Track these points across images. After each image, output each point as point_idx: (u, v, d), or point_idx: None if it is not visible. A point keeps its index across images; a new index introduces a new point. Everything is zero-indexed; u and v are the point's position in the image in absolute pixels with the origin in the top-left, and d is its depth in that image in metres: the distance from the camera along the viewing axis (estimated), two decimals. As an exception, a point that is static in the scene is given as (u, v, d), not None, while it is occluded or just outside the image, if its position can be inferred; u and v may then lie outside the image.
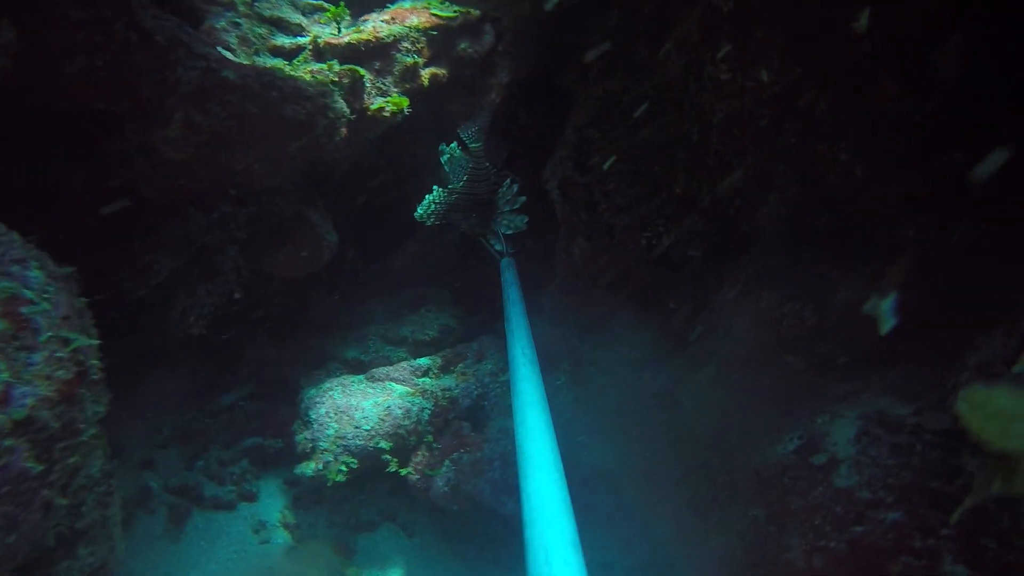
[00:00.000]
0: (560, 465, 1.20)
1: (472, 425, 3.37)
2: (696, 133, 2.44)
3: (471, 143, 3.05)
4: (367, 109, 3.13)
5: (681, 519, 2.05)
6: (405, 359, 3.79)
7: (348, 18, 3.37)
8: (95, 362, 1.69)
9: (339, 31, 3.23)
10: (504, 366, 3.58)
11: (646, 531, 2.27)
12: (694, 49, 2.27)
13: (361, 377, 3.56)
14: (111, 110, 2.22)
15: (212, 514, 3.43)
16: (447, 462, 3.13)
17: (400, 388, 3.46)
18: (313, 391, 3.50)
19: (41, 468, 1.49)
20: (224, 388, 3.93)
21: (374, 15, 3.41)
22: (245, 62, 2.60)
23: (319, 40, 3.14)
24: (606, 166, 2.63)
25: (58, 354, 1.58)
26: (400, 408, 3.20)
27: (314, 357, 3.96)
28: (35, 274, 1.64)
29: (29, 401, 1.47)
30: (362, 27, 3.31)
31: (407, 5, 3.53)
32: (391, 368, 3.61)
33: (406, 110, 3.19)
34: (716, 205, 2.45)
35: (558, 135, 3.11)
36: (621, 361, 2.87)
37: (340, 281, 4.29)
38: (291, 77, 2.52)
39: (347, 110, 2.78)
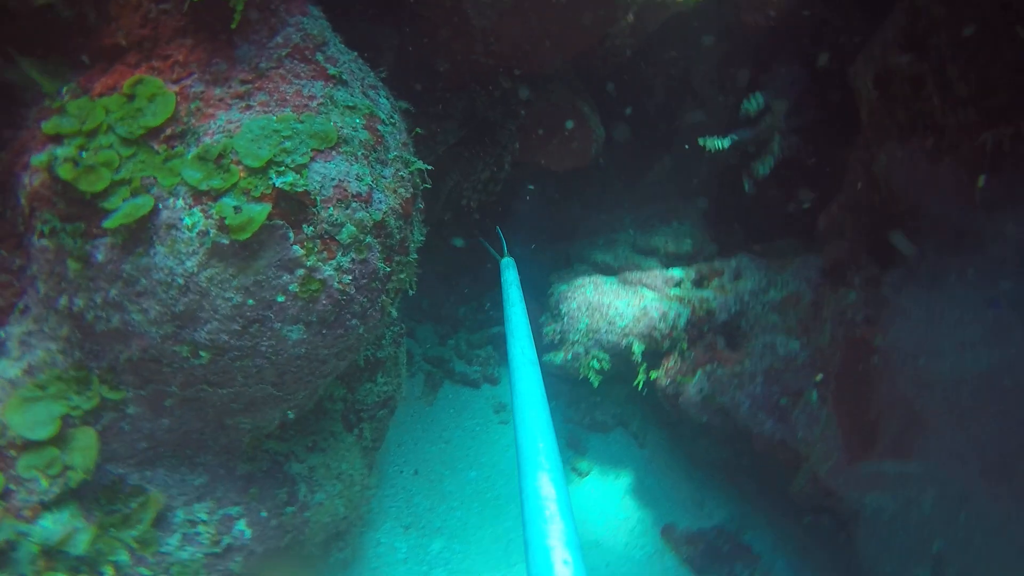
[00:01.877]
0: (560, 464, 1.22)
1: (726, 340, 3.24)
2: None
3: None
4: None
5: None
6: (657, 268, 3.72)
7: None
8: (423, 187, 1.83)
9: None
10: (766, 286, 3.37)
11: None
12: None
13: (613, 279, 3.56)
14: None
15: (460, 388, 3.73)
16: (699, 372, 3.05)
17: (652, 294, 3.41)
18: (564, 286, 3.59)
19: (387, 270, 1.67)
20: (472, 278, 4.19)
21: None
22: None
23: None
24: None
25: (401, 172, 1.73)
26: (657, 310, 3.16)
27: (560, 258, 4.06)
28: (384, 101, 1.81)
29: (384, 207, 1.63)
30: None
31: None
32: (643, 274, 3.57)
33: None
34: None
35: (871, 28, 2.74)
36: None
37: (592, 184, 4.30)
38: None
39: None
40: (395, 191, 1.69)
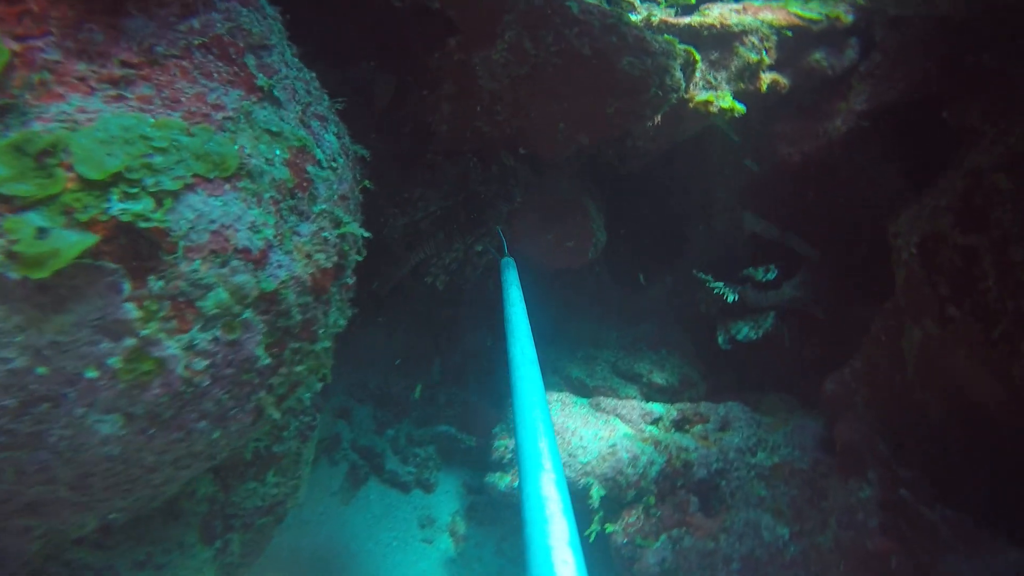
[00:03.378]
0: (561, 467, 1.18)
1: (701, 503, 2.69)
2: None
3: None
4: (690, 100, 2.64)
5: None
6: (635, 398, 3.24)
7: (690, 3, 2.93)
8: (355, 259, 1.34)
9: (675, 13, 2.81)
10: (755, 446, 2.86)
11: None
12: None
13: (585, 401, 3.05)
14: (445, 11, 1.97)
15: (387, 489, 3.12)
16: (664, 536, 2.48)
17: (625, 428, 2.90)
18: (527, 397, 3.05)
19: (269, 362, 1.15)
20: (431, 362, 3.67)
21: (719, 3, 2.94)
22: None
23: (652, 18, 2.73)
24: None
25: (326, 233, 1.25)
26: (627, 451, 2.62)
27: (532, 363, 3.54)
28: (331, 139, 1.35)
29: (283, 274, 1.13)
30: (707, 11, 2.85)
31: (761, 4, 3.01)
32: (619, 403, 3.07)
33: (736, 113, 2.64)
34: None
35: (921, 182, 2.38)
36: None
37: (583, 290, 3.86)
38: (637, 26, 2.11)
39: (683, 82, 2.30)
40: (309, 256, 1.19)
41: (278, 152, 1.16)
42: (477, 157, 2.63)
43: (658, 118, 2.42)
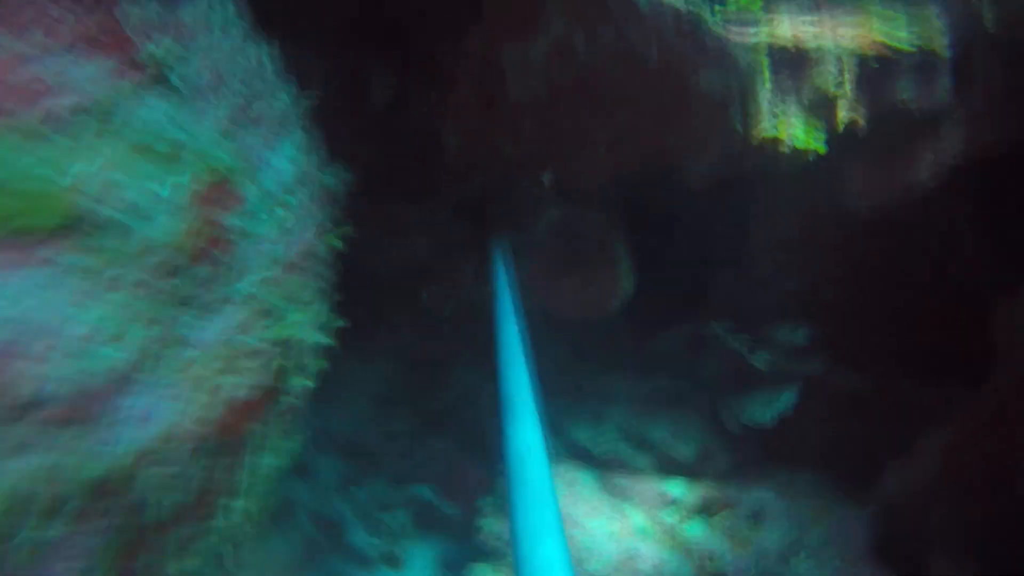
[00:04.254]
0: (548, 464, 1.11)
1: (732, 625, 2.17)
2: None
3: None
4: (753, 132, 2.09)
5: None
6: (646, 471, 2.72)
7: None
8: (301, 383, 0.76)
9: (736, 23, 2.25)
10: (793, 546, 2.36)
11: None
12: None
13: (592, 476, 2.52)
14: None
15: (342, 567, 2.55)
16: (690, 676, 1.95)
17: (640, 518, 2.39)
18: (524, 467, 2.52)
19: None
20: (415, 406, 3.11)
21: (790, 9, 2.37)
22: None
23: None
24: None
25: (249, 339, 0.67)
26: (650, 561, 2.08)
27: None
28: (283, 163, 0.77)
29: (153, 431, 0.56)
30: (778, 24, 2.28)
31: (840, 19, 2.47)
32: (631, 481, 2.55)
33: (811, 155, 2.12)
34: None
35: None
36: None
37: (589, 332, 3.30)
38: (717, 32, 1.57)
39: (768, 110, 1.78)
40: (214, 389, 0.62)
41: (166, 189, 0.59)
42: (492, 178, 2.07)
43: (735, 145, 1.89)
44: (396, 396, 3.11)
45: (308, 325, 0.74)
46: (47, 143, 0.53)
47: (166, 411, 0.58)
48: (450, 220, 2.25)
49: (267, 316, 0.69)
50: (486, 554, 2.33)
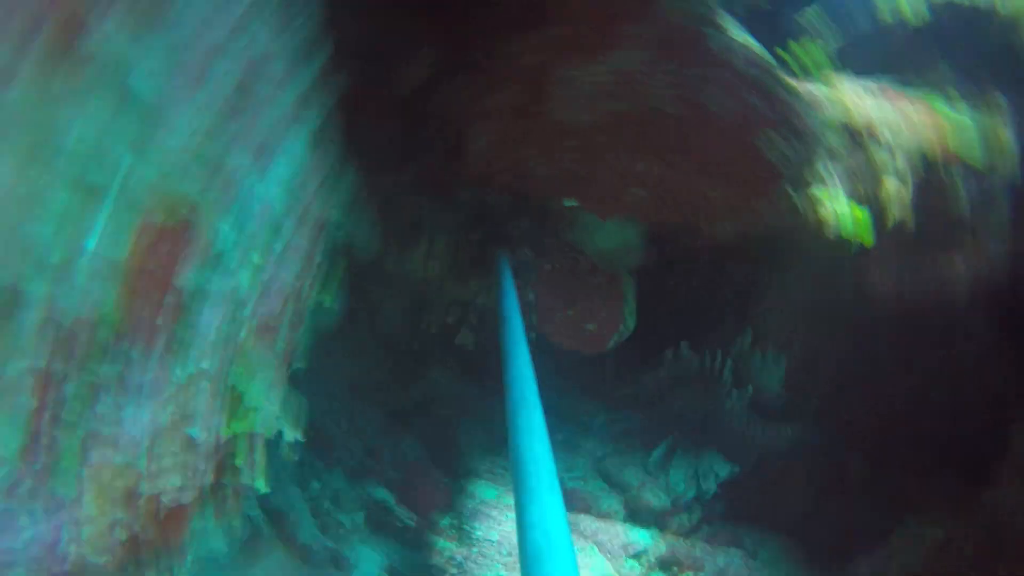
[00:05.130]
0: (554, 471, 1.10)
1: None
2: None
3: None
4: (805, 207, 1.88)
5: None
6: (616, 515, 2.59)
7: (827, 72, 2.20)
8: (256, 481, 0.59)
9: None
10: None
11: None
12: None
13: (560, 515, 2.36)
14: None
15: (293, 563, 2.39)
16: None
17: (602, 563, 2.26)
18: (491, 490, 2.40)
19: None
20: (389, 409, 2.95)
21: (851, 76, 2.19)
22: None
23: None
24: None
25: (192, 431, 0.49)
26: (607, 620, 1.94)
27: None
28: (272, 191, 0.59)
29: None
30: (839, 86, 2.09)
31: (901, 89, 2.31)
32: (599, 524, 2.42)
33: (855, 247, 1.95)
34: None
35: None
36: None
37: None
38: (790, 86, 1.38)
39: (829, 180, 1.60)
40: (126, 498, 0.45)
41: (94, 240, 0.41)
42: (508, 192, 1.89)
43: (789, 214, 1.70)
44: (373, 383, 2.97)
45: (271, 414, 0.56)
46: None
47: (50, 543, 0.41)
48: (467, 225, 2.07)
49: (221, 398, 0.51)
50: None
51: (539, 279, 2.05)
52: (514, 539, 2.20)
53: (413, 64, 1.68)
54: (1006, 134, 2.25)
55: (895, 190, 2.14)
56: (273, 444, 0.60)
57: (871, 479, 2.59)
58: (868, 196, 2.09)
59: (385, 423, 2.98)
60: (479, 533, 2.20)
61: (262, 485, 0.60)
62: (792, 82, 1.43)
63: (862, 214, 2.02)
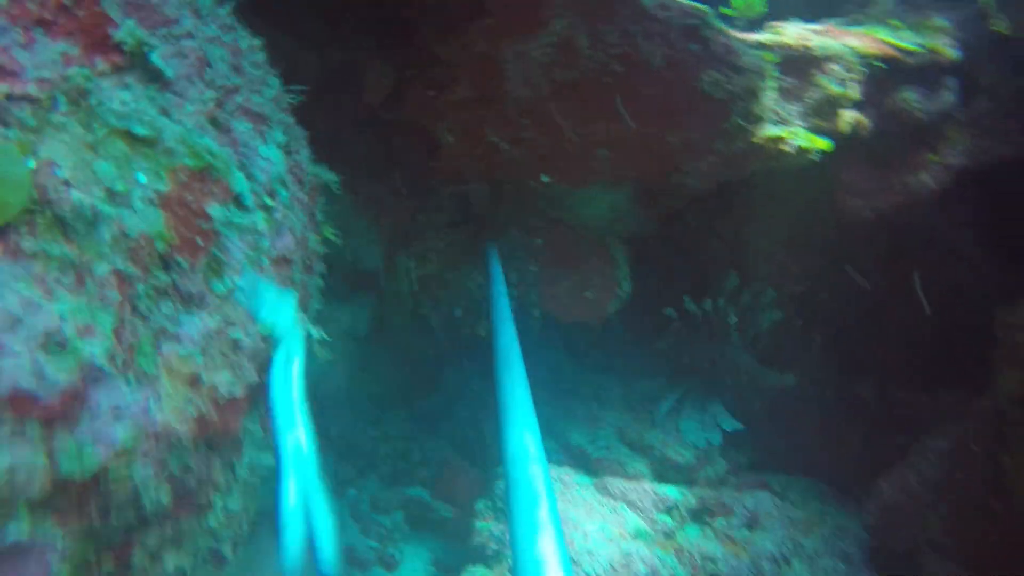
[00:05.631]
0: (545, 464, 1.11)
1: (727, 629, 2.12)
2: None
3: None
4: (756, 132, 2.05)
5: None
6: (644, 476, 2.67)
7: (763, 19, 2.37)
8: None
9: (745, 29, 2.24)
10: (790, 553, 2.31)
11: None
12: None
13: (589, 481, 2.47)
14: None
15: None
16: None
17: (636, 520, 2.34)
18: (520, 469, 2.47)
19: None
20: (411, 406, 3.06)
21: (797, 23, 2.37)
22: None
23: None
24: None
25: (235, 333, 0.63)
26: (645, 563, 2.03)
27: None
28: (271, 150, 0.73)
29: (119, 434, 0.51)
30: (783, 30, 2.27)
31: (846, 28, 2.45)
32: (628, 484, 2.50)
33: (814, 154, 2.08)
34: None
35: None
36: None
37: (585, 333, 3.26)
38: (724, 31, 1.53)
39: (770, 112, 1.74)
40: (194, 382, 0.58)
41: (144, 176, 0.54)
42: (486, 181, 2.03)
43: (736, 147, 1.84)
44: (392, 392, 3.07)
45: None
46: (8, 124, 0.49)
47: (143, 407, 0.54)
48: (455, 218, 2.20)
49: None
50: (483, 556, 2.28)
51: (532, 257, 2.18)
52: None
53: (377, 78, 1.83)
54: (950, 53, 2.37)
55: (853, 118, 2.27)
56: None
57: (880, 405, 2.68)
58: (828, 129, 2.23)
59: (411, 428, 3.08)
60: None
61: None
62: (729, 29, 1.57)
63: (824, 144, 2.16)
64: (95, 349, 0.50)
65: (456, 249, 2.31)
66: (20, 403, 0.45)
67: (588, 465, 2.65)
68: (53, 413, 0.47)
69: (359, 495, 2.71)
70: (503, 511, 2.42)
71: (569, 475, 2.48)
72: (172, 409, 0.56)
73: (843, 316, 2.75)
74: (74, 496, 0.49)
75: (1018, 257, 2.18)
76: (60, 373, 0.48)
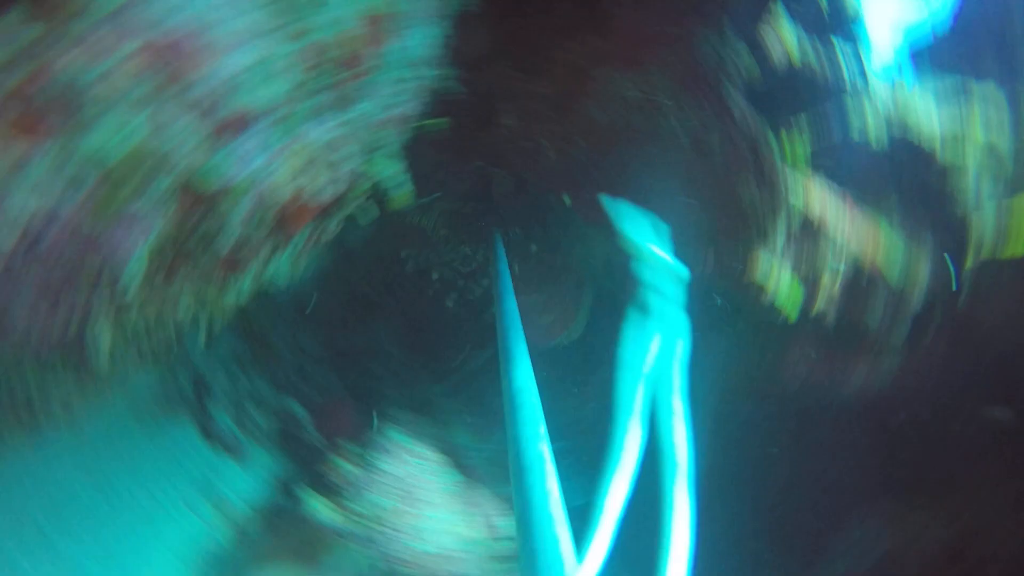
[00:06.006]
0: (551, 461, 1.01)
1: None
2: None
3: None
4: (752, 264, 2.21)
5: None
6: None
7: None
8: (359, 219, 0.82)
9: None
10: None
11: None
12: None
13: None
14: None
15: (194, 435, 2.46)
16: None
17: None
18: (406, 437, 2.54)
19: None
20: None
21: (823, 178, 2.56)
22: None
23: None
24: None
25: (337, 156, 0.73)
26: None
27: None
28: (415, 42, 0.84)
29: (247, 175, 0.61)
30: (812, 183, 2.46)
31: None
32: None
33: (788, 316, 2.26)
34: None
35: None
36: None
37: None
38: (775, 155, 1.71)
39: (783, 257, 1.91)
40: (294, 175, 0.67)
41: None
42: (513, 176, 2.14)
43: None
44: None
45: (388, 170, 0.80)
46: None
47: (262, 166, 0.63)
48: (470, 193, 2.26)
49: (359, 144, 0.75)
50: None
51: (522, 258, 2.28)
52: (414, 480, 2.35)
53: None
54: (923, 269, 2.63)
55: (829, 284, 2.49)
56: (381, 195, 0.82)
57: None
58: (807, 281, 2.44)
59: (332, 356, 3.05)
60: (384, 466, 2.34)
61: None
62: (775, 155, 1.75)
63: (798, 292, 2.35)
64: (261, 98, 0.59)
65: (458, 220, 2.35)
66: (198, 103, 0.54)
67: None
68: (208, 126, 0.56)
69: (248, 386, 2.69)
70: (370, 463, 2.45)
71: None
72: (275, 182, 0.65)
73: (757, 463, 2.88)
74: (182, 199, 0.58)
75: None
76: (224, 99, 0.57)
